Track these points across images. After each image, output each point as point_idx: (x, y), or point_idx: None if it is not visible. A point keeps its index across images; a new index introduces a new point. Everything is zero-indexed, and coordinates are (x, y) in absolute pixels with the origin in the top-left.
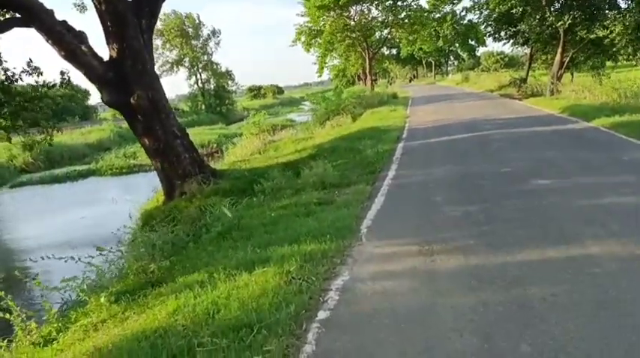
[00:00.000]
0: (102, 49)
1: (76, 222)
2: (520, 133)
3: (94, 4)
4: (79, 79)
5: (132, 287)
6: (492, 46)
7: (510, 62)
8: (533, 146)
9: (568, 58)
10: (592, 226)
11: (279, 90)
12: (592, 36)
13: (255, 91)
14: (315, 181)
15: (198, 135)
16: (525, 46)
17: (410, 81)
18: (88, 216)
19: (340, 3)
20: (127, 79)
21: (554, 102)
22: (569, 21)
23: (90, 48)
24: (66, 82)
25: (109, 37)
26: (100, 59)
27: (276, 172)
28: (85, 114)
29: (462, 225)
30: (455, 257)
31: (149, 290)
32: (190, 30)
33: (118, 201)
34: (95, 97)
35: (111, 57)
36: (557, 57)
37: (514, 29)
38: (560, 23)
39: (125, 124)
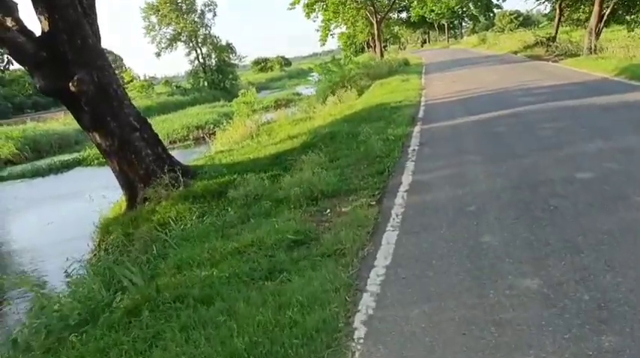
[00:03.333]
0: None
1: (39, 229)
2: (575, 108)
3: None
4: None
5: None
6: (508, 3)
7: (525, 21)
8: (604, 129)
9: (609, 10)
10: None
11: (286, 62)
12: None
13: (262, 64)
14: (302, 190)
15: (196, 115)
16: (553, 1)
17: (422, 45)
18: (57, 220)
19: None
20: (65, 58)
21: (601, 63)
22: None
23: (18, 21)
24: None
25: (37, 3)
26: (31, 34)
27: (254, 178)
28: None
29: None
30: None
31: None
32: (184, 5)
33: (94, 198)
34: None
35: (43, 31)
36: (596, 8)
37: None
38: None
39: None
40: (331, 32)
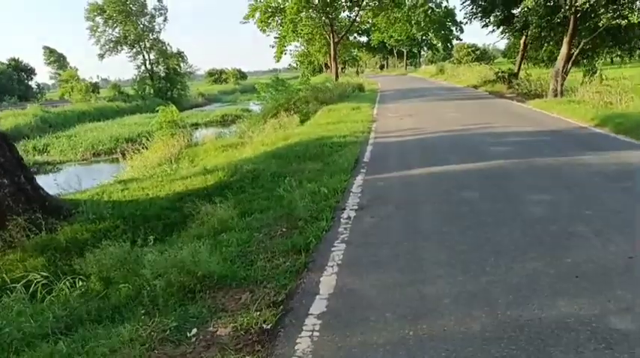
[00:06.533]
0: None
1: None
2: (565, 169)
3: None
4: (27, 56)
5: None
6: (466, 36)
7: (482, 55)
8: (619, 213)
9: (577, 51)
10: None
11: (242, 75)
12: (613, 22)
13: (216, 75)
14: (173, 277)
15: (132, 125)
16: (520, 33)
17: (381, 69)
18: None
19: None
20: None
21: (576, 109)
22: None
23: None
24: None
25: None
26: None
27: (114, 247)
28: (25, 94)
29: None
30: None
31: None
32: (134, 7)
33: None
34: (42, 76)
35: None
36: (564, 48)
37: (506, 13)
38: (581, 1)
39: (57, 107)
40: (285, 49)
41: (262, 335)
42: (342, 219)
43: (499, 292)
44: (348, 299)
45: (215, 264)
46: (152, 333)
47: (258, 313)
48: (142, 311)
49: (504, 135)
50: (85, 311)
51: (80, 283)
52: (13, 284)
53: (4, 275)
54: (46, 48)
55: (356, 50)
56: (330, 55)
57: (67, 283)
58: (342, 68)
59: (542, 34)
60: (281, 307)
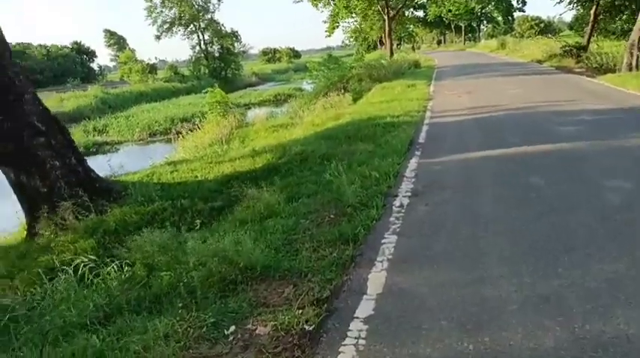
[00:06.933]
0: None
1: None
2: None
3: None
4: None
5: None
6: (529, 8)
7: (546, 29)
8: None
9: None
10: None
11: (295, 54)
12: None
13: (270, 54)
14: (214, 267)
15: (186, 106)
16: (591, 3)
17: (438, 44)
18: None
19: None
20: None
21: None
22: None
23: None
24: None
25: None
26: None
27: (158, 231)
28: (87, 76)
29: None
30: None
31: None
32: None
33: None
34: (103, 58)
35: None
36: None
37: None
38: None
39: (116, 89)
40: (338, 25)
41: (303, 337)
42: (394, 207)
43: (574, 299)
44: (398, 301)
45: (259, 252)
46: (188, 329)
47: (300, 311)
48: (180, 305)
49: (573, 113)
50: (125, 300)
51: (126, 268)
52: (63, 267)
53: (55, 257)
54: (106, 31)
55: (412, 25)
56: (384, 31)
57: (114, 267)
58: (397, 44)
59: (617, 2)
60: (325, 305)
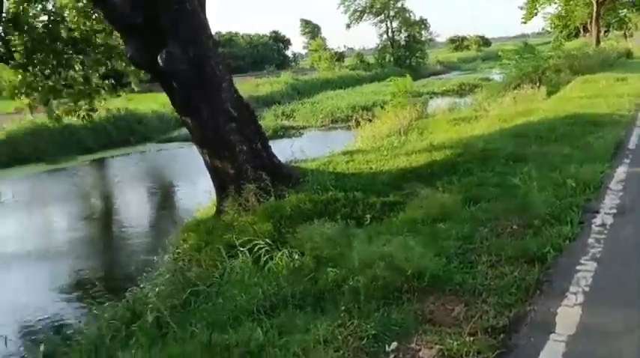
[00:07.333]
0: None
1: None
2: None
3: None
4: (285, 27)
5: None
6: None
7: None
8: None
9: None
10: None
11: (484, 42)
12: None
13: (458, 42)
14: (379, 271)
15: (369, 94)
16: None
17: None
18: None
19: None
20: (159, 26)
21: None
22: None
23: None
24: None
25: None
26: None
27: (329, 223)
28: (282, 62)
29: None
30: None
31: None
32: None
33: None
34: (297, 46)
35: None
36: None
37: None
38: None
39: (305, 76)
40: (537, 12)
41: None
42: (593, 226)
43: None
44: (596, 349)
45: (428, 259)
46: (348, 338)
47: (471, 338)
48: (343, 308)
49: None
50: (291, 293)
51: (296, 256)
52: (241, 248)
53: (235, 236)
54: (302, 20)
55: (625, 10)
56: (591, 16)
57: (286, 253)
58: (604, 32)
59: None
60: (501, 336)
